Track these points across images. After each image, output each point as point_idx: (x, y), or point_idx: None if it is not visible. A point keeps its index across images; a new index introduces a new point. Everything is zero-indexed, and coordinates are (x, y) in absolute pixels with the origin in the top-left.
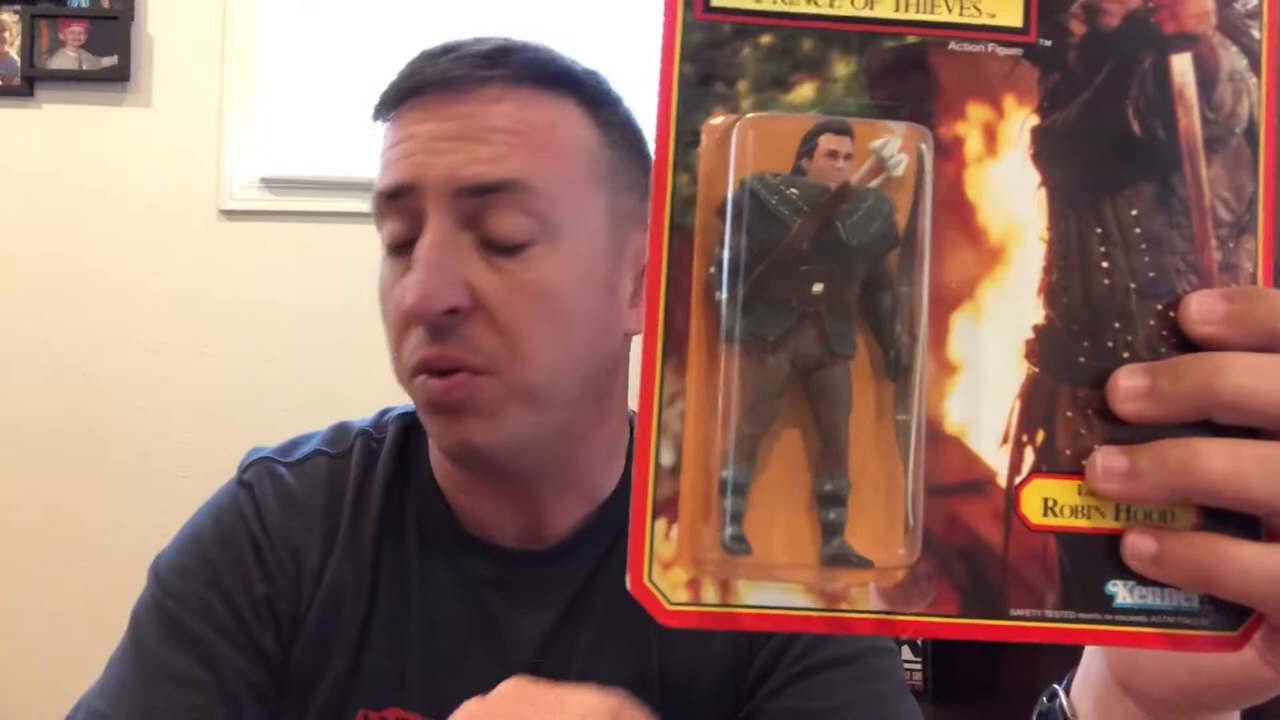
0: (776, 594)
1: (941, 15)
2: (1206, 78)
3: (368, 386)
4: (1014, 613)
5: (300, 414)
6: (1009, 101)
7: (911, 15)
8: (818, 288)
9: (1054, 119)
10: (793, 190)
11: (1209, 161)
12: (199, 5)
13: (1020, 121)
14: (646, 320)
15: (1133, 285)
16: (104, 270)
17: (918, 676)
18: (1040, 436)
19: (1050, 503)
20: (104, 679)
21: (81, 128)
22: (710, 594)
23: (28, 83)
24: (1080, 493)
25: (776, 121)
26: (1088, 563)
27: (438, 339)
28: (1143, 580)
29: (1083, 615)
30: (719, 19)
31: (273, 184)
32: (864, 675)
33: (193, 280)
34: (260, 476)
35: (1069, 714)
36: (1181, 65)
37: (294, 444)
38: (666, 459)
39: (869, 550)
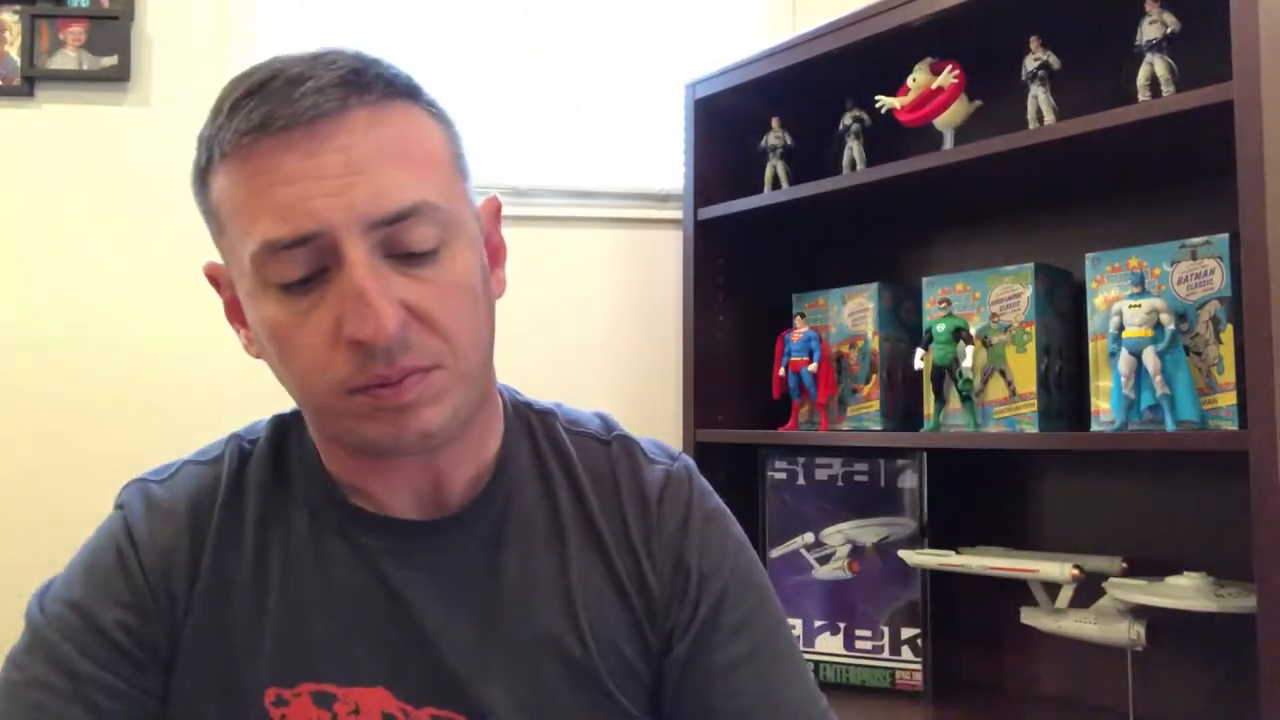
0: None
1: None
2: None
3: None
4: None
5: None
6: None
7: None
8: None
9: None
10: None
11: None
12: (199, 5)
13: None
14: None
15: None
16: (104, 270)
17: (918, 677)
18: None
19: None
20: None
21: (81, 128)
22: None
23: (28, 83)
24: None
25: None
26: None
27: (388, 358)
28: None
29: None
30: None
31: None
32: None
33: (192, 281)
34: (131, 497)
35: None
36: None
37: (167, 465)
38: None
39: None
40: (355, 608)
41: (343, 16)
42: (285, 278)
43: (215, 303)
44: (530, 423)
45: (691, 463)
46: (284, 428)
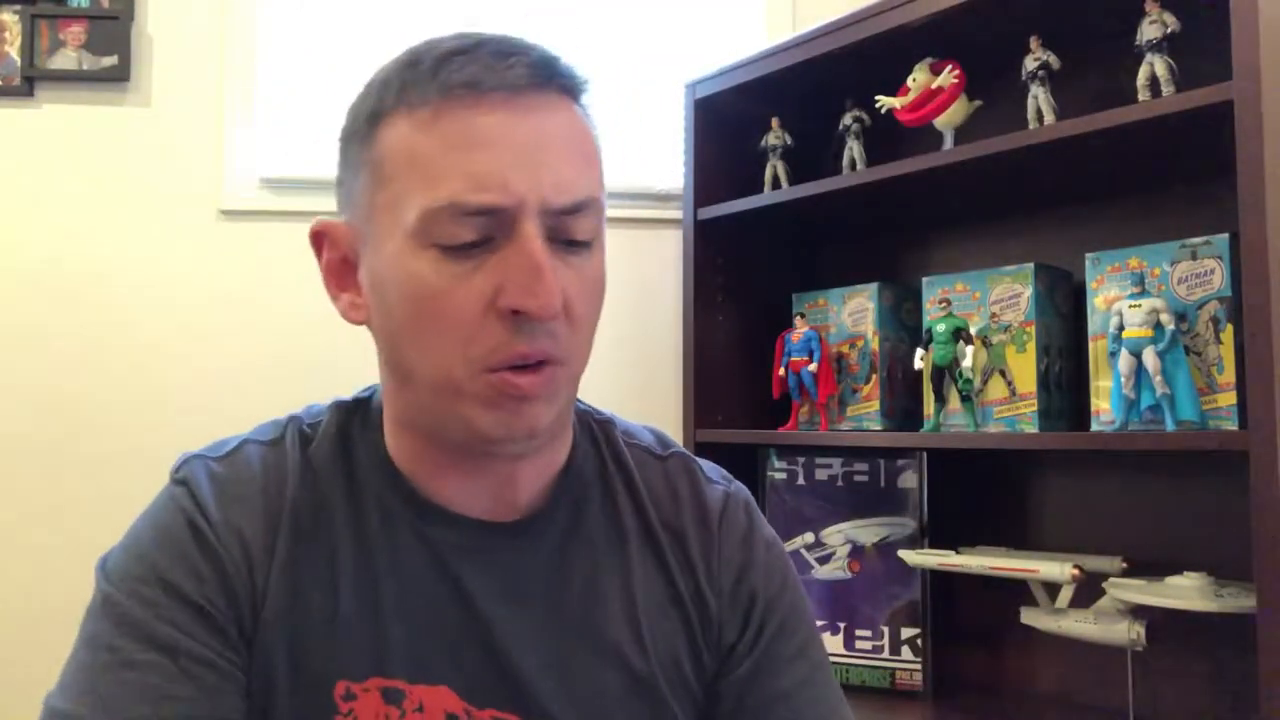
0: None
1: None
2: None
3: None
4: None
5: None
6: None
7: None
8: None
9: None
10: None
11: None
12: (199, 5)
13: None
14: None
15: None
16: (103, 270)
17: (918, 677)
18: None
19: None
20: (61, 680)
21: (81, 128)
22: None
23: (28, 83)
24: None
25: None
26: None
27: (534, 337)
28: None
29: None
30: None
31: (273, 184)
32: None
33: (192, 280)
34: (194, 471)
35: None
36: None
37: (221, 442)
38: None
39: None
40: (427, 605)
41: (343, 17)
42: (456, 238)
43: (215, 302)
44: (594, 431)
45: (746, 489)
46: (348, 416)
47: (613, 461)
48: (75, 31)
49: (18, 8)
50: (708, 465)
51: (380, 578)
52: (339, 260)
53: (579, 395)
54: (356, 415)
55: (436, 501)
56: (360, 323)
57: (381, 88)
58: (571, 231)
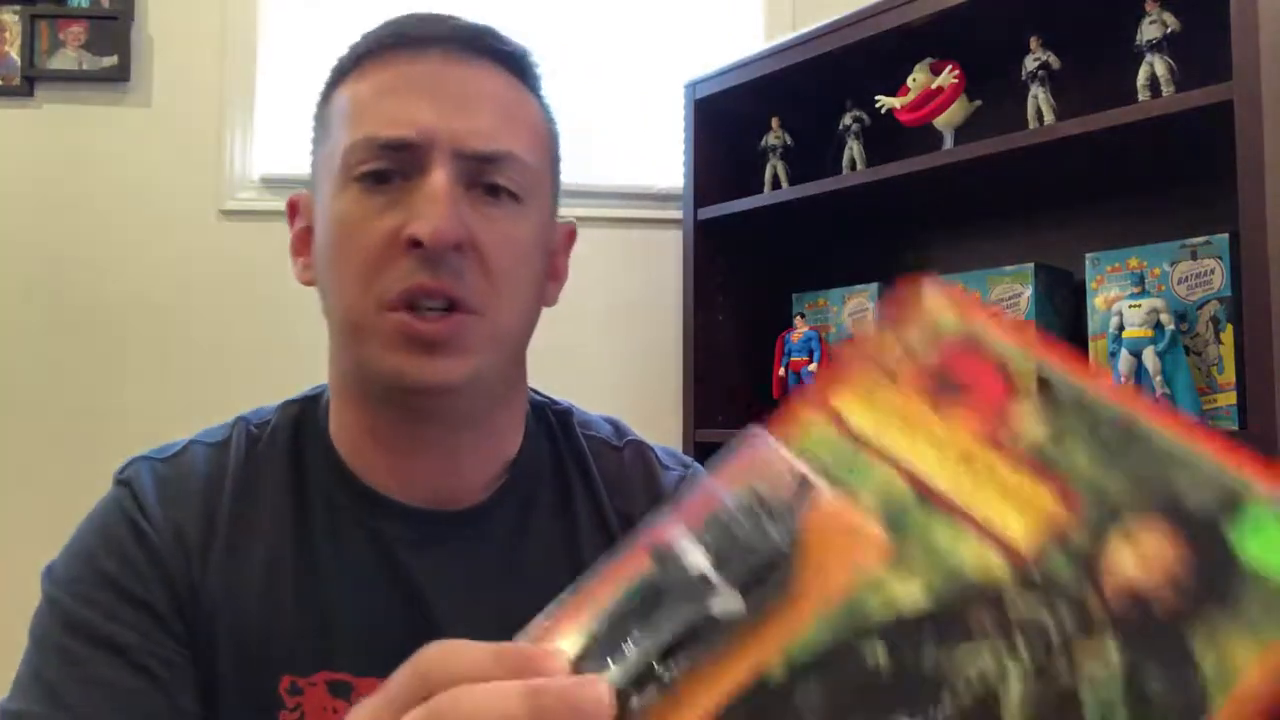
0: None
1: None
2: None
3: None
4: None
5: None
6: None
7: None
8: None
9: None
10: None
11: None
12: (199, 5)
13: None
14: None
15: None
16: (104, 270)
17: None
18: None
19: None
20: (13, 685)
21: (81, 128)
22: None
23: (28, 83)
24: None
25: None
26: None
27: (435, 271)
28: None
29: None
30: None
31: (273, 184)
32: None
33: (193, 280)
34: (138, 472)
35: None
36: None
37: (170, 445)
38: None
39: None
40: (373, 597)
41: (343, 17)
42: (369, 168)
43: (215, 302)
44: (550, 422)
45: (704, 471)
46: (298, 413)
47: (569, 452)
48: (75, 31)
49: (18, 8)
50: (663, 451)
51: (325, 572)
52: (304, 229)
53: (537, 386)
54: (304, 411)
55: (382, 491)
56: (309, 283)
57: (336, 67)
58: (490, 177)
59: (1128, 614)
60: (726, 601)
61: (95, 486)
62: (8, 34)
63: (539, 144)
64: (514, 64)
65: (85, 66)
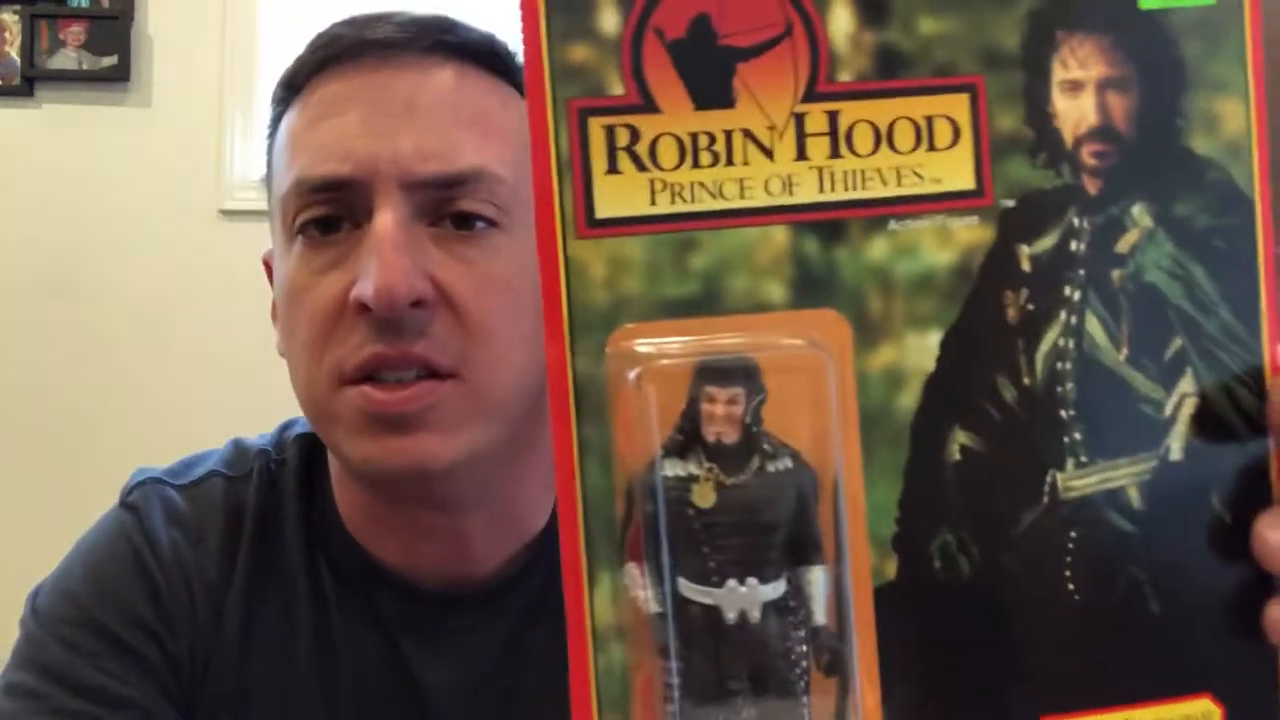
0: None
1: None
2: None
3: None
4: None
5: (300, 414)
6: None
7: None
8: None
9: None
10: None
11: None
12: (199, 5)
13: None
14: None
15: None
16: (104, 270)
17: None
18: None
19: None
20: None
21: (81, 128)
22: None
23: (28, 83)
24: None
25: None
26: None
27: (395, 336)
28: None
29: None
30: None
31: None
32: None
33: (193, 280)
34: (148, 499)
35: None
36: None
37: (187, 465)
38: None
39: None
40: (377, 691)
41: (343, 18)
42: (309, 215)
43: (215, 302)
44: None
45: None
46: (313, 451)
47: None
48: (75, 31)
49: (18, 8)
50: None
51: (337, 652)
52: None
53: None
54: (315, 451)
55: (390, 565)
56: (282, 355)
57: (273, 96)
58: (456, 205)
59: (1111, 164)
60: None
61: (94, 487)
62: (8, 34)
63: (520, 148)
64: (476, 56)
65: (85, 66)
